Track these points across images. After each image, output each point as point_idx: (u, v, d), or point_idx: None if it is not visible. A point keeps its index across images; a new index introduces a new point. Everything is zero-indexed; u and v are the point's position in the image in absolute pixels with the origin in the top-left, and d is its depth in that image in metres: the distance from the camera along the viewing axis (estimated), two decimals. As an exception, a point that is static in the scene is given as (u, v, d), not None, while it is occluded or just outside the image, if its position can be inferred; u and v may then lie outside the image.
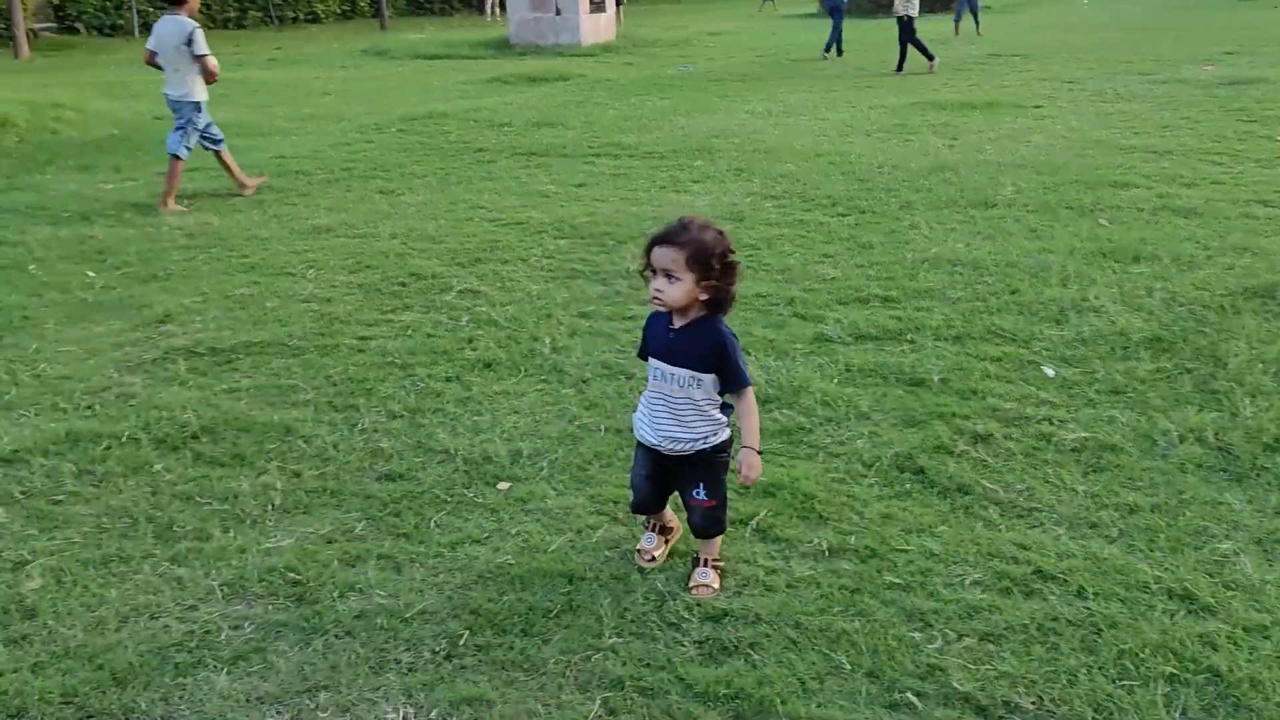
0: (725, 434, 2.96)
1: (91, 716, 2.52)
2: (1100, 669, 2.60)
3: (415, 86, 16.77)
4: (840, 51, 19.28)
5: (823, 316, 5.18)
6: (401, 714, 2.53)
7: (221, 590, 3.03)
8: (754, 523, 3.33)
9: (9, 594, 3.01)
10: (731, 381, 2.86)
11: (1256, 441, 3.69)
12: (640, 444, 3.03)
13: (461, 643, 2.78)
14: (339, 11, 39.88)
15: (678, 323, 2.88)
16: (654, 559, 3.13)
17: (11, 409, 4.28)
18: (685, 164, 9.25)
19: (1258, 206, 6.87)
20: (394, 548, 3.25)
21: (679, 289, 2.77)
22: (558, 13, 23.16)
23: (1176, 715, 2.45)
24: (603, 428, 4.02)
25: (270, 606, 2.96)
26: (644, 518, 3.22)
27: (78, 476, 3.71)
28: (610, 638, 2.79)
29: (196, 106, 8.10)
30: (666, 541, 3.19)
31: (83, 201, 8.24)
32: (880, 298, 5.43)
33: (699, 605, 2.91)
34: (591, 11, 23.59)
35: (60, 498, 3.57)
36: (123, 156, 10.11)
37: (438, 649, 2.77)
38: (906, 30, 16.12)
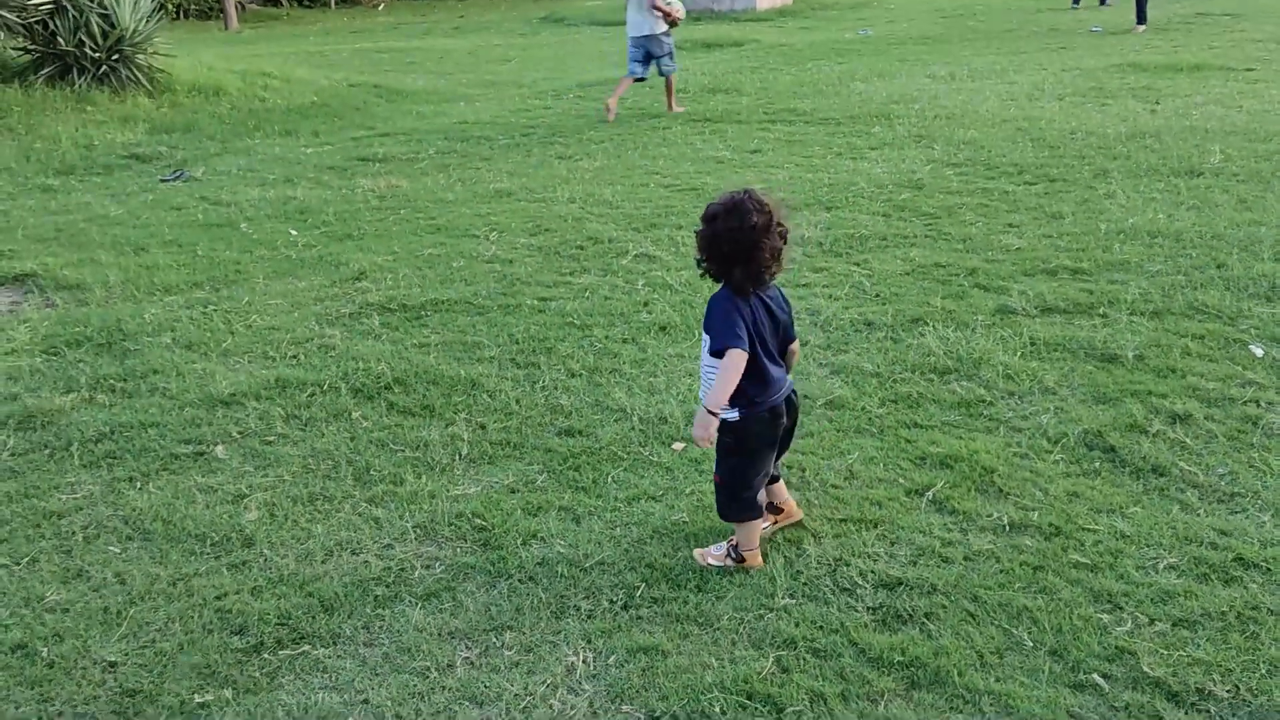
0: (729, 414, 2.84)
1: (304, 638, 2.75)
2: (1306, 663, 2.46)
3: (592, 53, 17.00)
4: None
5: (1006, 288, 5.00)
6: (581, 657, 2.64)
7: (414, 532, 3.23)
8: (930, 494, 3.28)
9: (230, 523, 3.30)
10: (710, 342, 2.80)
11: None
12: None
13: (638, 594, 2.87)
14: (518, -20, 40.72)
15: None
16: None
17: (229, 355, 4.65)
18: (863, 130, 9.05)
19: None
20: (573, 500, 3.37)
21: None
22: (734, -23, 22.92)
23: (1394, 717, 2.30)
24: (777, 393, 4.02)
25: (459, 549, 3.13)
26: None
27: (286, 420, 4.00)
28: (783, 598, 2.83)
29: (657, 39, 10.17)
30: (775, 521, 3.16)
31: (286, 165, 8.78)
32: (1070, 270, 5.20)
33: (872, 572, 2.91)
34: (768, -25, 23.24)
35: (271, 439, 3.86)
36: (322, 122, 10.70)
37: (615, 599, 2.87)
38: None
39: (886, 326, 4.65)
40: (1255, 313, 4.50)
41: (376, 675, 2.61)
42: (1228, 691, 2.39)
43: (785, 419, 2.94)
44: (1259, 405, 3.71)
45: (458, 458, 3.68)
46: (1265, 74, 10.72)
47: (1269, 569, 2.80)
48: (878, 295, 5.04)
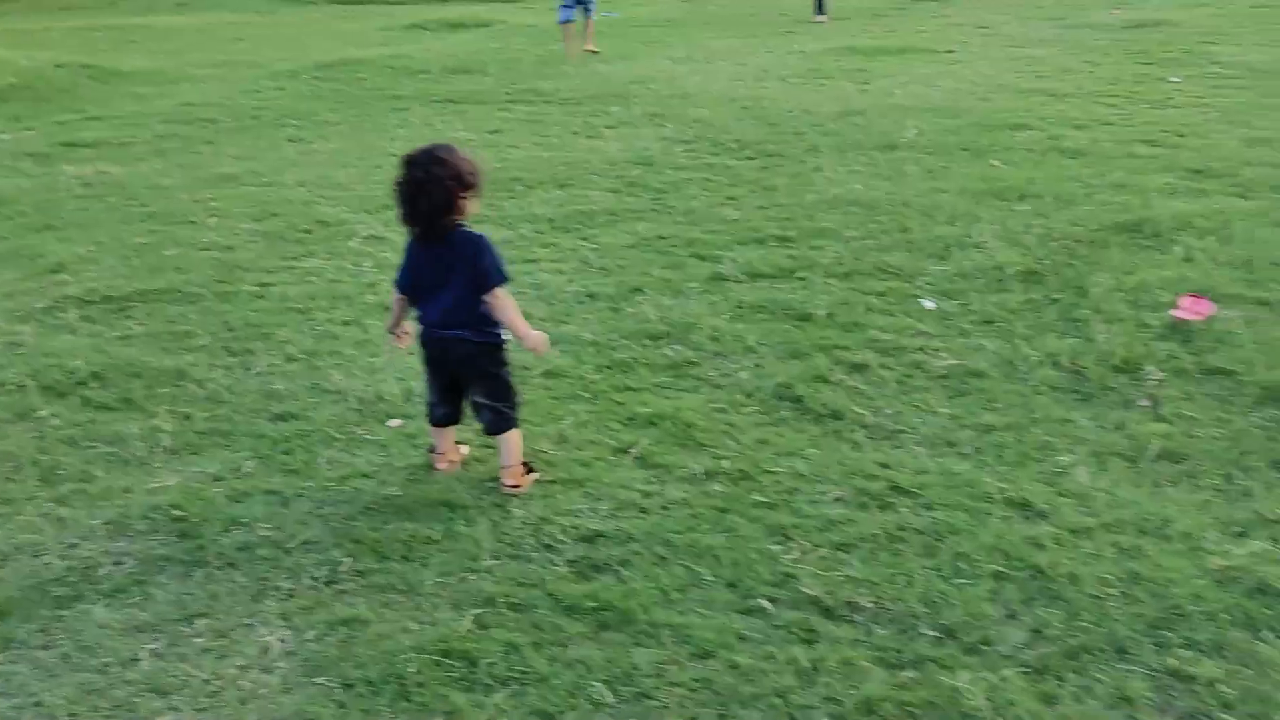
0: None
1: (-32, 648, 2.58)
2: (937, 570, 2.78)
3: (332, 32, 16.44)
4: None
5: (720, 257, 5.28)
6: (277, 637, 2.62)
7: (104, 528, 3.08)
8: (634, 450, 3.45)
9: (-113, 536, 3.03)
10: None
11: (1106, 364, 3.91)
12: None
13: (342, 570, 2.87)
14: (257, -43, 38.58)
15: None
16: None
17: (-105, 359, 4.23)
18: (601, 110, 9.25)
19: (1141, 146, 7.10)
20: (282, 483, 3.31)
21: None
22: (481, -42, 22.73)
23: (999, 607, 2.65)
24: (495, 365, 4.09)
25: (152, 542, 3.02)
26: None
27: (-38, 424, 3.70)
28: (487, 560, 2.91)
29: None
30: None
31: (-22, 152, 8.02)
32: (778, 238, 5.55)
33: (574, 528, 3.04)
34: (515, -44, 23.17)
35: (-57, 444, 3.57)
36: (22, 106, 9.83)
37: (318, 576, 2.85)
38: None
39: (608, 297, 4.81)
40: (930, 270, 4.98)
41: (52, 676, 2.49)
42: (872, 602, 2.68)
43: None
44: (925, 352, 4.12)
45: (158, 450, 3.53)
46: (963, 55, 11.76)
47: (918, 494, 3.14)
48: (602, 268, 5.21)
